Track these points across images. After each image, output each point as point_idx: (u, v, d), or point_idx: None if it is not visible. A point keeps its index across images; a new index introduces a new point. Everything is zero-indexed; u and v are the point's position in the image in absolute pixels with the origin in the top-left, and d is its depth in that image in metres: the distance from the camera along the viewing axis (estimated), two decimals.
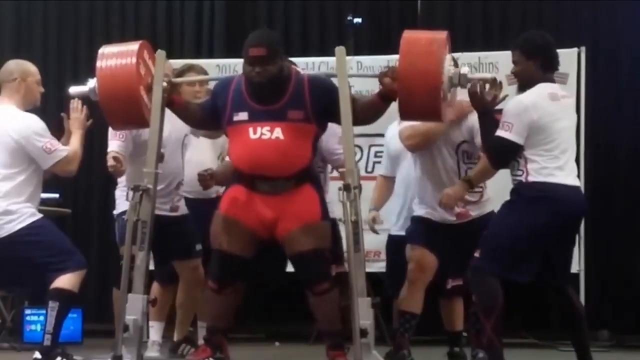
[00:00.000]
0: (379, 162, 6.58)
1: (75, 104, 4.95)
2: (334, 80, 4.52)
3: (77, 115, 4.95)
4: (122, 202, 5.33)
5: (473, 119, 4.90)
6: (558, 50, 4.70)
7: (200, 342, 5.16)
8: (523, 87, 4.58)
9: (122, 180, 5.38)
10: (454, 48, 4.62)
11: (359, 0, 7.90)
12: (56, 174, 4.97)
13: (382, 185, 5.55)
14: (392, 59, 4.48)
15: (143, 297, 4.48)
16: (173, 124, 4.95)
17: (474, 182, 4.96)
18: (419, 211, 5.13)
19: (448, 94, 4.56)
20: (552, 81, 4.63)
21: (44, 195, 5.12)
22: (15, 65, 4.99)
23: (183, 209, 5.38)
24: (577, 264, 6.45)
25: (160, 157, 4.71)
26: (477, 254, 4.55)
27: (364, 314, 4.22)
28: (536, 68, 4.56)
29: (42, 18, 8.15)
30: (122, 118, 4.69)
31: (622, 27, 7.49)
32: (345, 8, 7.72)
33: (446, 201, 4.94)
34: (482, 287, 4.51)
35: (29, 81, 4.94)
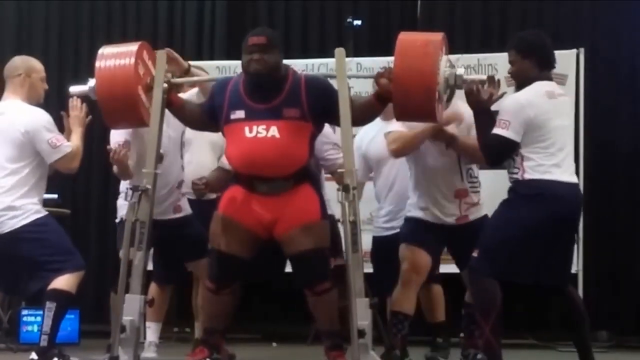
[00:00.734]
0: None
1: (74, 102, 4.97)
2: (333, 82, 4.52)
3: (76, 114, 4.98)
4: (123, 209, 5.33)
5: (468, 117, 4.92)
6: (557, 52, 4.71)
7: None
8: (520, 86, 4.59)
9: (123, 190, 5.37)
10: (454, 50, 4.64)
11: (358, 2, 7.91)
12: (58, 170, 4.98)
13: None
14: (392, 61, 4.49)
15: (140, 297, 4.49)
16: (168, 123, 4.95)
17: (458, 144, 4.92)
18: (415, 212, 5.10)
19: (444, 95, 4.58)
20: (549, 79, 4.64)
21: (43, 196, 5.12)
22: (21, 61, 5.05)
23: (186, 209, 5.36)
24: (575, 264, 6.44)
25: (159, 158, 4.72)
26: (475, 254, 4.55)
27: (361, 314, 4.22)
28: (532, 66, 4.56)
29: (44, 18, 8.16)
30: (119, 117, 4.72)
31: (621, 29, 7.49)
32: (345, 10, 7.73)
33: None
34: (479, 287, 4.50)
35: (34, 77, 4.99)
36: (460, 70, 4.52)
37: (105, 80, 4.65)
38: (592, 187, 6.81)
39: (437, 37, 4.52)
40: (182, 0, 8.07)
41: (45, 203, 5.16)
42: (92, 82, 4.76)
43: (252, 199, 4.56)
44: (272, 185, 4.53)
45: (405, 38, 4.50)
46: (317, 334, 5.01)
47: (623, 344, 7.03)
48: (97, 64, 4.69)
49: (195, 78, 5.09)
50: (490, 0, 7.74)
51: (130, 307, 4.45)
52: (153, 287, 5.49)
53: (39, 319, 4.88)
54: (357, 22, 7.29)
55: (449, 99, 4.89)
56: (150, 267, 5.72)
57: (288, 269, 5.00)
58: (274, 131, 4.46)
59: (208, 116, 4.67)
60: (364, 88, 6.47)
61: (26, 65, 5.01)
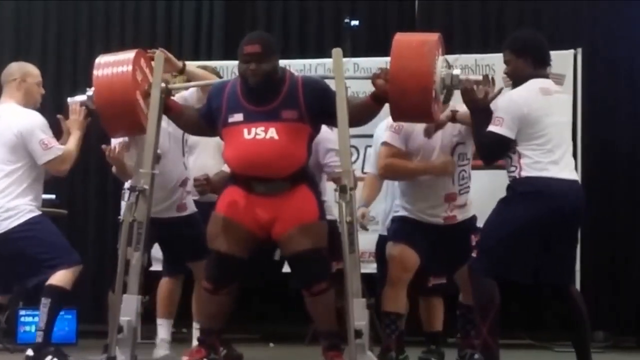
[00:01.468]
0: None
1: (74, 106, 5.01)
2: (331, 82, 4.53)
3: (75, 117, 5.02)
4: None
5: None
6: (554, 52, 4.72)
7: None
8: (516, 85, 4.61)
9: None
10: (451, 50, 4.65)
11: (356, 3, 7.91)
12: (48, 171, 5.02)
13: (372, 183, 5.47)
14: (389, 61, 4.49)
15: (137, 297, 4.49)
16: (169, 121, 4.95)
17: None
18: (403, 212, 5.08)
19: (441, 95, 4.59)
20: (545, 77, 4.64)
21: (41, 196, 5.14)
22: (17, 66, 5.13)
23: (191, 208, 5.36)
24: None
25: (156, 158, 4.73)
26: (474, 254, 4.55)
27: (359, 314, 4.22)
28: (527, 65, 4.58)
29: (42, 18, 8.15)
30: (118, 124, 4.74)
31: (619, 29, 7.50)
32: (342, 10, 7.74)
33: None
34: (478, 287, 4.50)
35: (29, 82, 5.06)
36: (456, 71, 4.53)
37: (104, 88, 4.68)
38: (591, 187, 6.79)
39: (433, 37, 4.53)
40: (180, 1, 8.07)
41: (43, 203, 5.20)
42: (90, 91, 4.79)
43: (249, 200, 4.57)
44: (269, 186, 4.54)
45: (401, 39, 4.51)
46: (315, 334, 5.01)
47: (620, 344, 7.04)
48: (95, 72, 4.72)
49: (192, 83, 5.09)
50: (488, 0, 7.75)
51: (128, 307, 4.45)
52: (163, 282, 5.50)
53: (36, 319, 4.90)
54: (355, 23, 7.31)
55: (447, 100, 4.90)
56: (153, 267, 5.76)
57: (286, 269, 4.99)
58: (272, 133, 4.47)
59: (206, 120, 4.67)
60: (362, 88, 6.47)
61: (22, 70, 5.09)
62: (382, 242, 5.46)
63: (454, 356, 5.24)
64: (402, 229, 5.04)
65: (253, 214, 4.56)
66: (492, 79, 4.64)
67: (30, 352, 4.75)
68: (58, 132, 5.11)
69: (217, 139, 5.18)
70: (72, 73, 7.85)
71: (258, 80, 4.46)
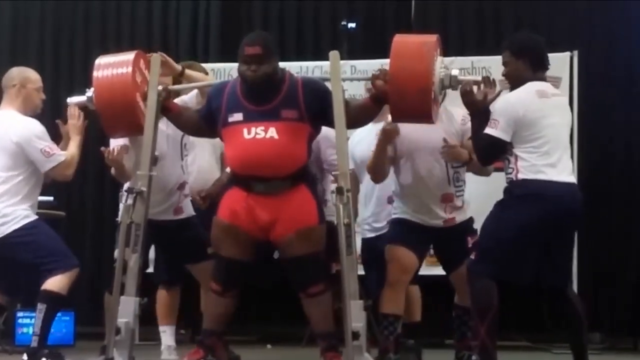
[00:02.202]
0: None
1: (72, 111, 5.01)
2: (328, 84, 4.54)
3: (74, 122, 5.02)
4: None
5: (460, 123, 4.95)
6: (550, 55, 4.72)
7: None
8: (514, 87, 4.59)
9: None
10: (448, 52, 4.65)
11: (353, 5, 7.91)
12: (53, 177, 5.02)
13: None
14: (386, 63, 4.51)
15: (135, 299, 4.50)
16: (167, 123, 4.96)
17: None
18: (401, 214, 5.06)
19: (439, 95, 4.60)
20: (543, 80, 4.65)
21: (39, 198, 5.15)
22: (17, 72, 5.12)
23: (187, 211, 5.35)
24: None
25: (154, 160, 4.73)
26: (472, 256, 4.55)
27: (356, 316, 4.23)
28: (525, 67, 4.58)
29: (39, 19, 8.15)
30: (118, 125, 4.77)
31: (616, 31, 7.51)
32: (339, 12, 7.75)
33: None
34: (476, 288, 4.49)
35: (29, 88, 5.06)
36: (455, 71, 4.55)
37: (104, 89, 4.70)
38: (587, 189, 6.79)
39: (432, 38, 4.56)
40: (176, 1, 8.08)
41: (41, 205, 5.21)
42: (89, 92, 4.82)
43: (249, 201, 4.58)
44: (269, 185, 4.55)
45: (400, 40, 4.54)
46: (312, 336, 5.02)
47: (617, 345, 7.05)
48: (95, 73, 4.75)
49: (192, 84, 5.11)
50: (484, 2, 7.76)
51: (125, 309, 4.47)
52: (162, 293, 5.52)
53: (34, 321, 4.90)
54: (352, 25, 7.32)
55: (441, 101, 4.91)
56: (149, 269, 5.77)
57: None
58: (272, 132, 4.49)
59: (205, 121, 4.69)
60: (358, 91, 6.48)
61: (22, 76, 5.08)
62: (366, 245, 5.46)
63: (451, 358, 5.24)
64: (401, 231, 5.04)
65: (253, 216, 4.57)
66: (493, 80, 4.63)
67: (25, 357, 4.74)
68: (57, 136, 5.11)
69: (215, 139, 5.21)
70: (69, 73, 7.84)
71: (258, 81, 4.47)
